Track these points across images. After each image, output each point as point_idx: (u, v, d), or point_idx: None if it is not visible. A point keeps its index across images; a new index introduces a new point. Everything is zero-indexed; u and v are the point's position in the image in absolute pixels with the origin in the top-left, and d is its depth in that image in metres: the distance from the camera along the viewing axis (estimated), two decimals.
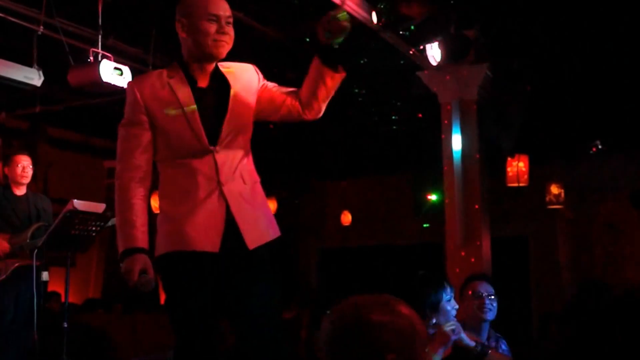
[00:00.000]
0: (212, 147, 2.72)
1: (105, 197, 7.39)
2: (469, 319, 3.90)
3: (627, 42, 6.46)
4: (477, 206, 6.66)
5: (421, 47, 6.27)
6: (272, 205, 9.89)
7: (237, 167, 2.77)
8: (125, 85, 3.50)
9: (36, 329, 5.00)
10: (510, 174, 8.77)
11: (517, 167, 8.75)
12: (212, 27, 2.70)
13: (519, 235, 10.76)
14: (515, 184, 8.78)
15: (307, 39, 6.13)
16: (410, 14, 5.58)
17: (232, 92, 2.79)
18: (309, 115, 2.88)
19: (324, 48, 2.76)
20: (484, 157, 6.84)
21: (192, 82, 2.76)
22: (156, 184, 2.83)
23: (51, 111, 7.93)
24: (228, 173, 2.74)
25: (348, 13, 2.78)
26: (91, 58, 5.12)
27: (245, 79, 2.86)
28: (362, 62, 6.63)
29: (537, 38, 6.47)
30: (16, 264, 5.24)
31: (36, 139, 8.79)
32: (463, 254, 6.59)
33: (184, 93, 2.73)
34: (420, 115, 8.18)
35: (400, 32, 5.92)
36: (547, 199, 9.64)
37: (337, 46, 2.75)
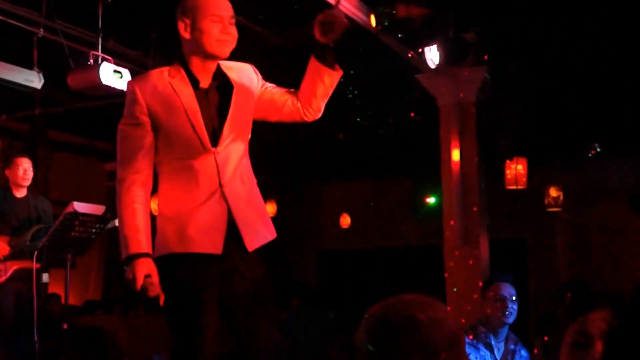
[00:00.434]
0: (213, 148, 2.70)
1: (106, 200, 7.39)
2: (489, 321, 3.90)
3: (625, 46, 6.46)
4: (475, 208, 6.67)
5: (420, 50, 6.28)
6: (272, 207, 9.90)
7: (237, 168, 2.76)
8: (125, 88, 3.50)
9: (36, 331, 5.00)
10: (508, 176, 8.78)
11: (516, 169, 8.77)
12: (216, 27, 2.68)
13: (517, 238, 10.79)
14: (514, 187, 8.80)
15: (305, 41, 6.12)
16: (409, 17, 5.59)
17: (234, 92, 2.77)
18: (310, 115, 2.89)
19: (321, 46, 2.76)
20: (483, 160, 6.85)
21: (194, 82, 2.74)
22: (155, 185, 2.80)
23: (51, 114, 7.93)
24: (229, 174, 2.73)
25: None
26: (91, 61, 5.11)
27: (246, 79, 2.84)
28: (360, 65, 6.63)
29: (536, 41, 6.48)
30: (16, 266, 5.27)
31: (36, 142, 8.77)
32: (461, 256, 6.60)
33: (186, 93, 2.71)
34: (419, 118, 8.18)
35: (399, 35, 5.92)
36: (546, 201, 9.66)
37: (333, 44, 2.75)
